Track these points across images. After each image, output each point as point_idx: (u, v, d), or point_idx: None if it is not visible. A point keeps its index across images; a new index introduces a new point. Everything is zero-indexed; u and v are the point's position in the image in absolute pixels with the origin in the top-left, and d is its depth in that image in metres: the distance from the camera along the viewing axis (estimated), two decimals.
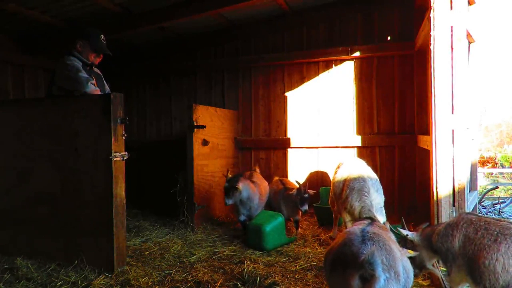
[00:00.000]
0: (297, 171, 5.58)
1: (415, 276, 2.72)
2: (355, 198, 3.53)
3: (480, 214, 2.71)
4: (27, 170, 3.57)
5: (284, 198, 4.46)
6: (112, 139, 3.17)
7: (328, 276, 2.14)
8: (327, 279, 2.23)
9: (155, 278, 3.13)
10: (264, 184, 4.65)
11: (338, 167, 4.20)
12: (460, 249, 2.37)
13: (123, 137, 3.28)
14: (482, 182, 9.61)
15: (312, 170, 5.52)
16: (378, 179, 3.79)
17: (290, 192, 4.31)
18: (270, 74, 5.79)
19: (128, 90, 6.41)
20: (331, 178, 4.32)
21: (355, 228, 2.22)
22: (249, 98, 5.91)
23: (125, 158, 3.29)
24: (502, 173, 12.86)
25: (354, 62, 5.36)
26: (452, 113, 3.05)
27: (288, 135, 5.69)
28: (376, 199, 3.52)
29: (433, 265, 2.78)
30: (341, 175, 3.94)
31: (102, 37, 3.72)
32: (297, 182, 4.37)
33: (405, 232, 2.65)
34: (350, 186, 3.63)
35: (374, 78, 5.28)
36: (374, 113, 5.29)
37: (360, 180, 3.63)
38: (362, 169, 3.84)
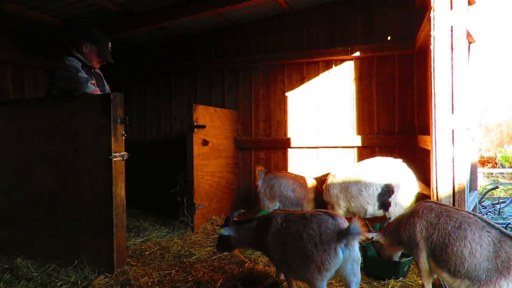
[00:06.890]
0: (297, 171, 5.57)
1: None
2: None
3: (440, 203, 2.73)
4: (27, 170, 3.58)
5: None
6: (112, 139, 3.18)
7: (308, 258, 2.31)
8: (306, 260, 2.35)
9: (155, 278, 3.13)
10: None
11: None
12: (422, 235, 2.44)
13: (123, 137, 3.29)
14: (482, 182, 9.61)
15: (313, 170, 5.51)
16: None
17: None
18: (270, 74, 5.79)
19: (128, 90, 6.40)
20: None
21: (311, 212, 2.52)
22: (249, 98, 5.90)
23: (125, 158, 3.29)
24: (502, 173, 12.86)
25: (354, 62, 5.35)
26: (452, 113, 3.05)
27: (288, 135, 5.69)
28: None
29: (436, 282, 2.78)
30: None
31: (110, 45, 3.76)
32: None
33: (370, 235, 2.77)
34: None
35: (374, 78, 5.28)
36: (374, 113, 5.28)
37: None
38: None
